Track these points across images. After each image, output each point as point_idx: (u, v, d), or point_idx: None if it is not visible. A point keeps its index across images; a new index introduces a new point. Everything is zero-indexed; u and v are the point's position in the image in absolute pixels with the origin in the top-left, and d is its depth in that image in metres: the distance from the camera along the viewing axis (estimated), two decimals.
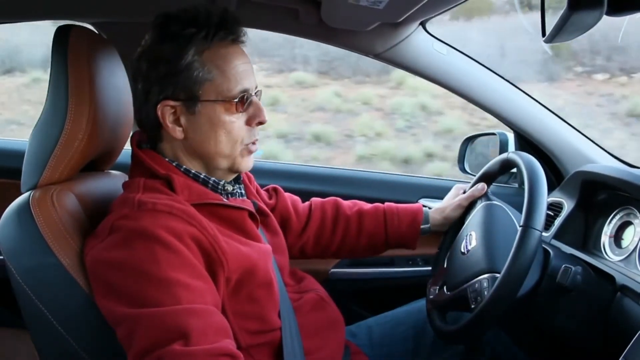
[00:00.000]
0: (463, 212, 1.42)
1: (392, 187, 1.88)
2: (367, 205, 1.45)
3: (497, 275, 1.11)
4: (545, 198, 1.15)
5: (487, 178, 1.44)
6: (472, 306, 1.15)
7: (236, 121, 1.06)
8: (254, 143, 1.11)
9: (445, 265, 1.35)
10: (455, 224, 1.43)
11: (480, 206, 1.37)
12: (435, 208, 1.45)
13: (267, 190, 1.41)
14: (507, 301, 1.08)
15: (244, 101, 1.06)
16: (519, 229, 1.11)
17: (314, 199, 1.47)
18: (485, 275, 1.17)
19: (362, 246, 1.43)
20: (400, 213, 1.42)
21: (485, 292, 1.13)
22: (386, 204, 1.45)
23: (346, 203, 1.45)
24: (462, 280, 1.22)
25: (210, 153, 1.08)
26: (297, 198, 1.45)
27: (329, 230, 1.42)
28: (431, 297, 1.33)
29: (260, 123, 1.09)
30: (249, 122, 1.08)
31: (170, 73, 1.03)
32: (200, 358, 0.87)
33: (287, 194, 1.44)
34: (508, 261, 1.08)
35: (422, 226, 1.41)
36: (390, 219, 1.41)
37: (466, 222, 1.37)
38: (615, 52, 6.62)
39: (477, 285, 1.17)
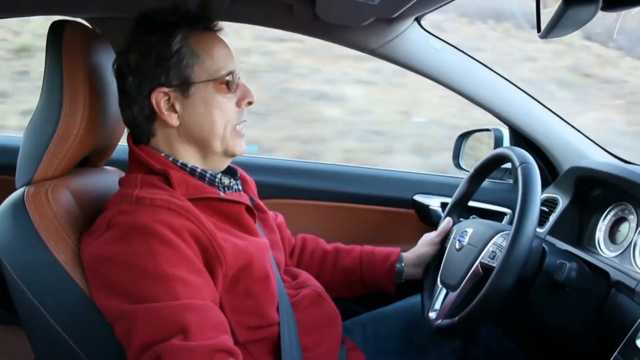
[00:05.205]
0: (437, 248, 1.43)
1: (386, 183, 1.88)
2: (345, 246, 1.49)
3: (508, 231, 1.11)
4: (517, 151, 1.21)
5: (461, 201, 1.47)
6: (494, 265, 1.15)
7: (228, 102, 1.10)
8: (242, 123, 1.14)
9: (439, 283, 1.33)
10: (435, 257, 1.43)
11: (456, 225, 1.40)
12: (408, 251, 1.47)
13: None
14: (530, 239, 1.07)
15: (232, 82, 1.09)
16: (518, 167, 1.15)
17: (298, 235, 1.51)
18: (498, 235, 1.19)
19: (337, 281, 1.44)
20: (376, 251, 1.45)
21: (504, 244, 1.14)
22: (364, 246, 1.48)
23: (327, 244, 1.50)
24: (469, 265, 1.22)
25: (205, 136, 1.09)
26: (289, 232, 1.49)
27: (307, 260, 1.46)
28: (435, 315, 1.28)
29: (250, 103, 1.13)
30: (238, 104, 1.12)
31: (161, 61, 1.05)
32: (199, 353, 0.87)
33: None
34: (519, 198, 1.10)
35: (396, 264, 1.42)
36: (366, 256, 1.44)
37: (450, 237, 1.39)
38: None
39: (491, 248, 1.18)
